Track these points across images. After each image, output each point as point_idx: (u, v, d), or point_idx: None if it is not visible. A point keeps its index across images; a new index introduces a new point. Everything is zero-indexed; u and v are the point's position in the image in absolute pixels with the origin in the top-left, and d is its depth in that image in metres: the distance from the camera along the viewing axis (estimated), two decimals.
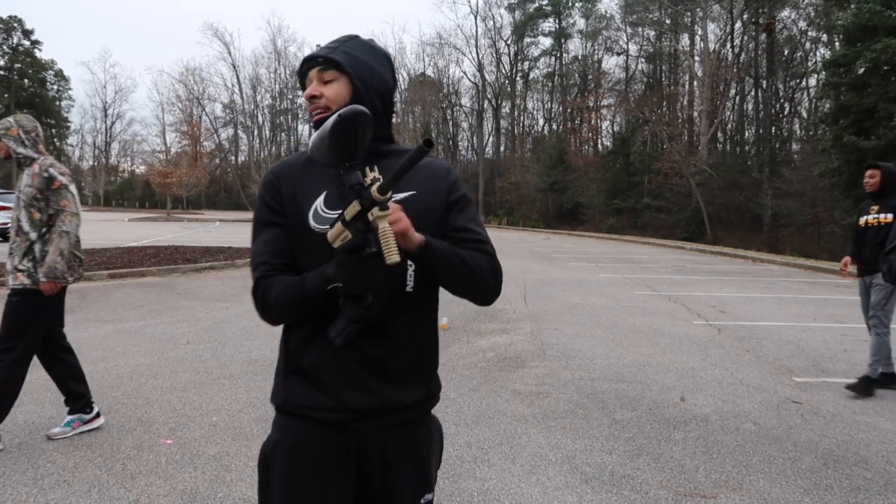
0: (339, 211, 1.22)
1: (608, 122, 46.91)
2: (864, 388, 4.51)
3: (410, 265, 1.28)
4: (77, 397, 3.58)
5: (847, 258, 4.98)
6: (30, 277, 3.33)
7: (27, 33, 70.06)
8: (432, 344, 1.39)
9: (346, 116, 1.08)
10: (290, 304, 1.25)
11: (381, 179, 1.09)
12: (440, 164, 1.43)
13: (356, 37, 1.38)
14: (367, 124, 1.11)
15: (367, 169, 1.13)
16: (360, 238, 1.11)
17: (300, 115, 71.03)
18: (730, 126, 38.82)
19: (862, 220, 4.81)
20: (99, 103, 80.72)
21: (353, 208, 1.11)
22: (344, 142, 1.10)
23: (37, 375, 4.66)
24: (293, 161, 1.40)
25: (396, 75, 1.43)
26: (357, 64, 1.32)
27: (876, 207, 4.71)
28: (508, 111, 54.80)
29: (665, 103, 37.97)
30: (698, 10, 33.53)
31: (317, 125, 1.28)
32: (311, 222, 1.29)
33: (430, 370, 1.39)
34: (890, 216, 4.59)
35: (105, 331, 6.26)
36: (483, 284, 1.31)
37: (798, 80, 35.65)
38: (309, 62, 1.34)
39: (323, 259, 1.20)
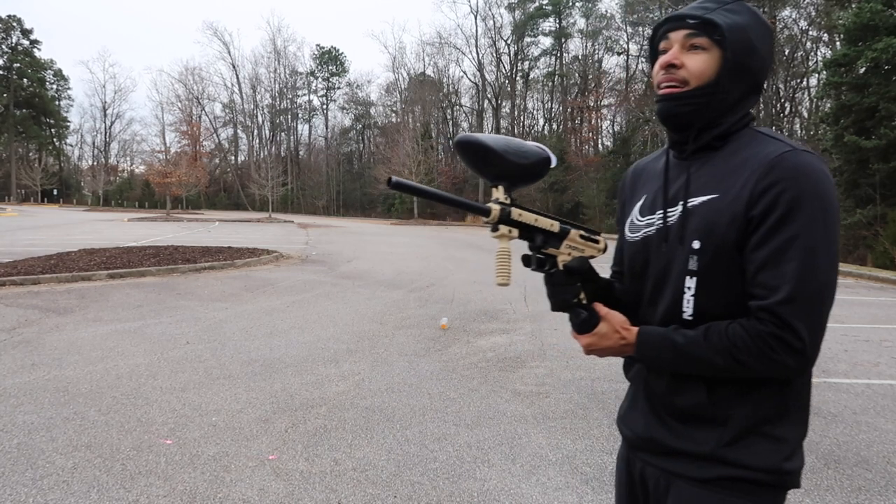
0: (649, 218, 1.19)
1: (608, 121, 46.92)
2: None
3: (688, 288, 1.08)
4: None
5: None
6: None
7: (26, 33, 70.08)
8: (733, 389, 1.07)
9: (459, 143, 1.10)
10: None
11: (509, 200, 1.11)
12: (766, 150, 1.05)
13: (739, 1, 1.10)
14: (474, 153, 1.09)
15: (493, 189, 1.12)
16: (530, 257, 1.16)
17: (300, 115, 71.10)
18: None
19: None
20: (98, 103, 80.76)
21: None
22: (468, 164, 1.12)
23: (36, 376, 4.66)
24: (645, 161, 1.28)
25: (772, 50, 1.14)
26: (737, 36, 1.05)
27: None
28: (508, 111, 54.79)
29: None
30: None
31: (665, 100, 1.10)
32: (626, 231, 1.25)
33: (728, 428, 1.07)
34: None
35: (104, 331, 6.26)
36: (742, 371, 1.03)
37: (799, 80, 35.64)
38: (675, 21, 1.09)
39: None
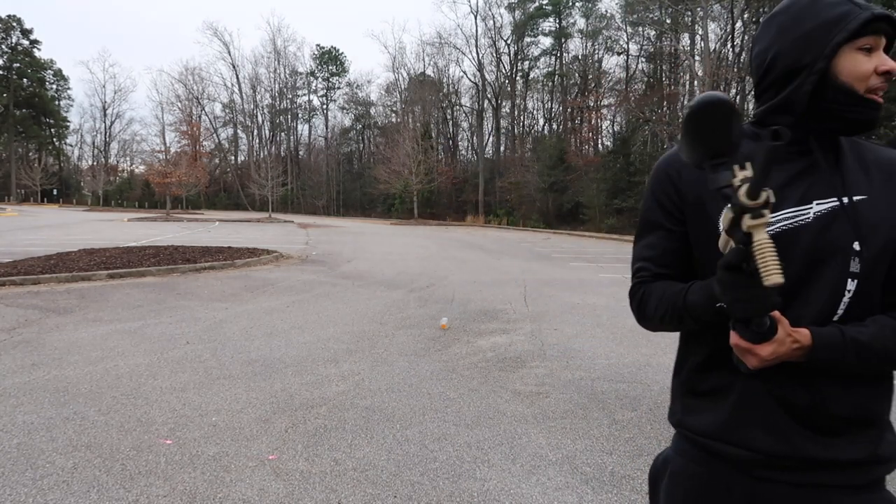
0: (788, 211, 1.08)
1: (608, 121, 46.92)
2: None
3: (849, 291, 1.05)
4: None
5: None
6: None
7: (26, 32, 70.11)
8: (880, 391, 1.08)
9: (695, 109, 0.92)
10: (671, 317, 1.10)
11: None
12: (887, 154, 1.07)
13: None
14: (725, 114, 0.91)
15: (737, 168, 0.90)
16: (738, 252, 0.92)
17: (300, 115, 71.14)
18: None
19: None
20: (98, 103, 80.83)
21: (727, 216, 0.93)
22: (700, 137, 0.93)
23: (35, 376, 4.66)
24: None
25: None
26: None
27: None
28: (508, 111, 54.80)
29: (665, 103, 37.95)
30: (699, 9, 33.51)
31: (876, 108, 1.05)
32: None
33: (876, 427, 1.07)
34: None
35: (104, 331, 6.25)
36: None
37: None
38: (887, 22, 1.02)
39: None
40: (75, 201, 68.50)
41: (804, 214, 1.06)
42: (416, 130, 48.12)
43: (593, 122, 45.24)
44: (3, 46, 68.75)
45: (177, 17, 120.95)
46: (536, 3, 51.28)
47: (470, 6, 78.79)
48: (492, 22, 54.18)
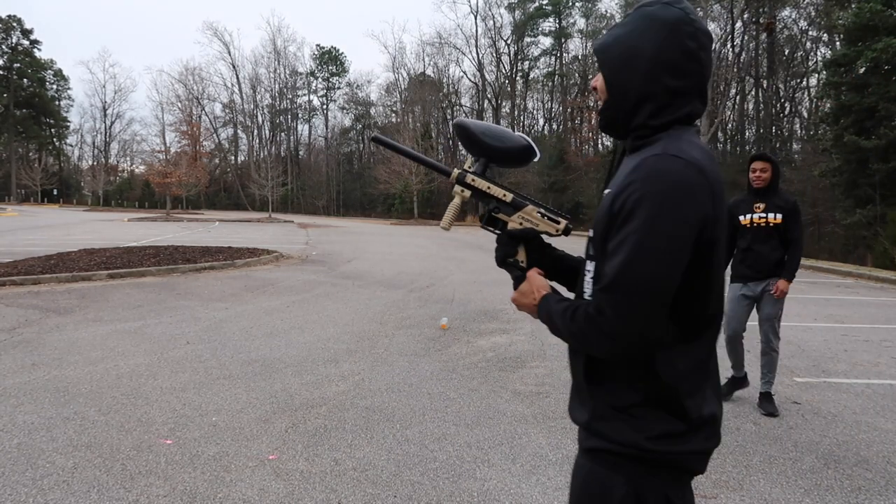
0: None
1: None
2: (772, 405, 4.19)
3: (588, 271, 1.21)
4: None
5: None
6: None
7: (26, 33, 70.08)
8: (578, 363, 1.20)
9: (453, 125, 1.45)
10: None
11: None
12: (649, 155, 1.10)
13: (639, 7, 1.17)
14: (460, 134, 1.42)
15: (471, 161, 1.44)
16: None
17: (300, 115, 71.14)
18: (730, 126, 38.81)
19: (745, 219, 4.25)
20: (98, 103, 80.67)
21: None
22: (461, 142, 1.44)
23: (35, 376, 4.66)
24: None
25: (683, 44, 1.13)
26: (608, 54, 1.18)
27: (761, 206, 4.21)
28: (508, 111, 54.81)
29: None
30: (699, 9, 33.50)
31: (599, 116, 1.28)
32: None
33: (590, 395, 1.18)
34: (780, 216, 4.16)
35: (105, 331, 6.26)
36: (584, 348, 1.15)
37: (799, 80, 35.66)
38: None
39: None
40: (75, 201, 68.49)
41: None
42: (416, 130, 48.12)
43: (593, 122, 45.20)
44: (4, 46, 68.75)
45: (177, 17, 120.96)
46: (536, 3, 51.30)
47: (470, 6, 78.78)
48: (492, 22, 54.22)
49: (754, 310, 4.38)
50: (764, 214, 4.21)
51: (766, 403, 4.21)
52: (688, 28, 1.13)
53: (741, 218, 4.28)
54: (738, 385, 4.49)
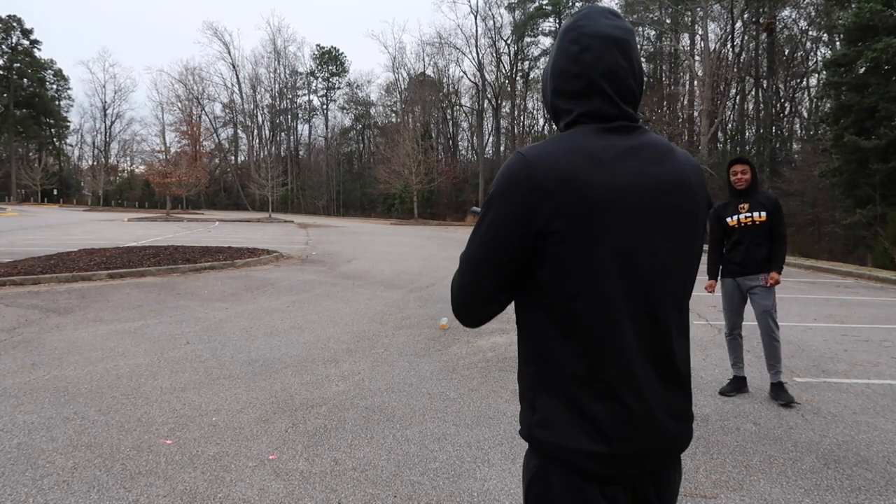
0: None
1: None
2: (786, 394, 4.30)
3: None
4: None
5: (710, 282, 4.67)
6: None
7: (26, 33, 70.12)
8: (526, 364, 1.20)
9: None
10: None
11: None
12: None
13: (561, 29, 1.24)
14: None
15: None
16: None
17: (300, 115, 71.14)
18: (730, 126, 38.83)
19: (733, 220, 4.48)
20: (98, 103, 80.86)
21: None
22: None
23: (36, 375, 4.66)
24: None
25: (568, 50, 1.19)
26: (545, 76, 1.28)
27: (746, 206, 4.44)
28: (508, 111, 54.80)
29: (665, 103, 37.98)
30: (699, 9, 33.51)
31: None
32: None
33: (525, 395, 1.20)
34: (764, 214, 4.38)
35: (105, 331, 6.25)
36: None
37: (798, 80, 35.67)
38: None
39: None
40: (75, 201, 68.51)
41: None
42: (416, 130, 48.11)
43: None
44: (4, 46, 68.77)
45: (177, 17, 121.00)
46: (536, 3, 51.32)
47: (470, 6, 78.82)
48: (492, 22, 54.17)
49: (750, 310, 4.57)
50: (749, 214, 4.44)
51: (782, 393, 4.33)
52: (571, 34, 1.18)
53: (728, 220, 4.53)
54: (740, 386, 4.56)
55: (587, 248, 1.07)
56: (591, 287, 1.08)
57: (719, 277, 4.70)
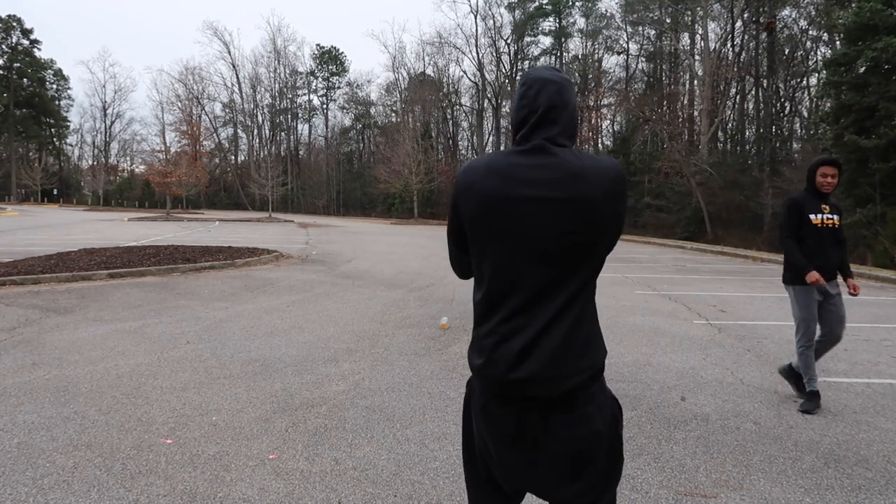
0: None
1: (608, 121, 46.92)
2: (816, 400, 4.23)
3: None
4: None
5: (814, 272, 4.12)
6: None
7: (26, 32, 70.10)
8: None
9: None
10: None
11: None
12: None
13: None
14: None
15: None
16: None
17: (300, 115, 71.11)
18: (730, 125, 38.79)
19: (817, 219, 4.19)
20: (98, 103, 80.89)
21: None
22: None
23: (36, 375, 4.66)
24: None
25: (517, 93, 1.56)
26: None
27: (827, 207, 4.23)
28: (508, 111, 54.75)
29: (665, 102, 37.94)
30: (699, 9, 33.49)
31: None
32: None
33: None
34: (838, 218, 4.24)
35: (105, 331, 6.25)
36: None
37: (799, 79, 35.64)
38: None
39: None
40: (75, 201, 68.50)
41: None
42: (416, 130, 48.08)
43: (593, 121, 45.20)
44: (3, 46, 68.77)
45: (177, 16, 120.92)
46: (536, 3, 51.27)
47: (470, 6, 78.76)
48: (492, 21, 54.16)
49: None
50: (830, 216, 4.22)
51: (818, 399, 4.22)
52: (520, 81, 1.57)
53: (812, 217, 4.20)
54: (818, 399, 4.25)
55: (482, 230, 1.48)
56: (490, 260, 1.47)
57: (793, 284, 4.29)
